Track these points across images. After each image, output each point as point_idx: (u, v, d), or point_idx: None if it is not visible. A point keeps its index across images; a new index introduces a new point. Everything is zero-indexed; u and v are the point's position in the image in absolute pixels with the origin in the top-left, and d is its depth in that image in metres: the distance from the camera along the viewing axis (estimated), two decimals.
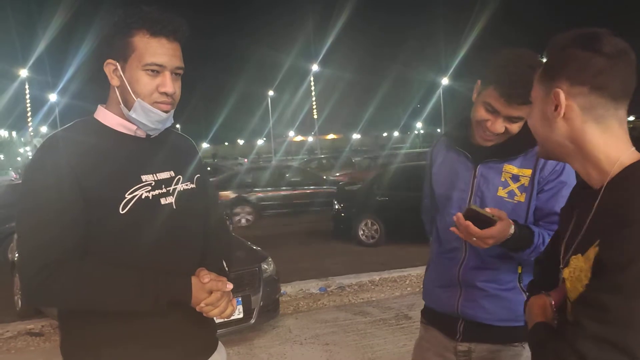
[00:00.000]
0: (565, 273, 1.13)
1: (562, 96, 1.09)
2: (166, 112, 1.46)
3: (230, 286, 1.45)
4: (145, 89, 1.42)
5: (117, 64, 1.43)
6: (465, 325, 1.85)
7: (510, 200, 1.77)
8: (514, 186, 1.77)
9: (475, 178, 1.82)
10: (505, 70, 1.66)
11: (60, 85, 42.30)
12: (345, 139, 74.81)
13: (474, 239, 1.62)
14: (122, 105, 1.45)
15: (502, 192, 1.78)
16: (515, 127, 1.72)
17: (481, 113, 1.73)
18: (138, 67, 1.41)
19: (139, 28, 1.41)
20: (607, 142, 1.09)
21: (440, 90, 51.95)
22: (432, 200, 2.00)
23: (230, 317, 1.51)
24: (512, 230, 1.62)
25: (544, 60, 1.16)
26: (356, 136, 76.17)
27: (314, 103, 51.31)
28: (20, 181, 1.43)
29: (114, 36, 1.42)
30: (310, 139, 65.76)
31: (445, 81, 50.29)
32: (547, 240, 1.66)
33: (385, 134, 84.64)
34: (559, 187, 1.74)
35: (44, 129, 51.25)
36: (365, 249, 9.24)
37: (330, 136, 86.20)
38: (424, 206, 2.08)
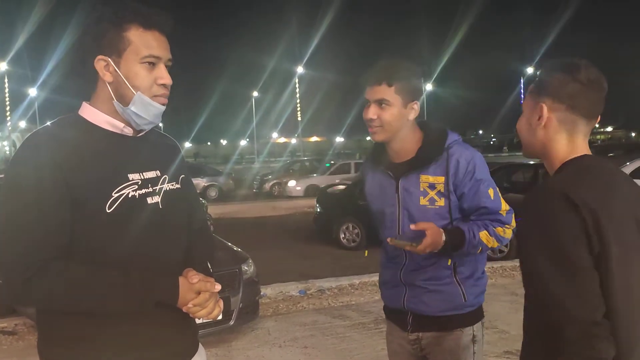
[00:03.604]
0: None
1: (545, 110, 1.39)
2: (164, 105, 1.46)
3: (218, 287, 1.45)
4: (145, 82, 1.42)
5: (109, 59, 1.40)
6: (413, 317, 2.10)
7: (432, 207, 2.00)
8: (432, 193, 2.00)
9: (399, 192, 2.04)
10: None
11: (40, 80, 41.62)
12: (328, 142, 74.93)
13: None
14: (115, 101, 1.43)
15: (423, 201, 2.01)
16: (385, 115, 1.95)
17: (364, 110, 2.00)
18: (135, 60, 1.40)
19: (131, 22, 1.40)
20: (567, 150, 1.39)
21: (424, 95, 52.27)
22: (372, 215, 2.23)
23: (217, 318, 1.52)
24: (443, 237, 1.90)
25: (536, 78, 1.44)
26: (339, 139, 76.33)
27: (298, 105, 51.31)
28: (3, 178, 1.39)
29: (104, 32, 1.40)
30: (293, 140, 65.71)
31: (428, 86, 50.72)
32: (477, 231, 1.96)
33: (368, 138, 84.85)
34: (477, 184, 1.98)
35: (22, 124, 50.38)
36: (346, 252, 9.27)
37: (314, 138, 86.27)
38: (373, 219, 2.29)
